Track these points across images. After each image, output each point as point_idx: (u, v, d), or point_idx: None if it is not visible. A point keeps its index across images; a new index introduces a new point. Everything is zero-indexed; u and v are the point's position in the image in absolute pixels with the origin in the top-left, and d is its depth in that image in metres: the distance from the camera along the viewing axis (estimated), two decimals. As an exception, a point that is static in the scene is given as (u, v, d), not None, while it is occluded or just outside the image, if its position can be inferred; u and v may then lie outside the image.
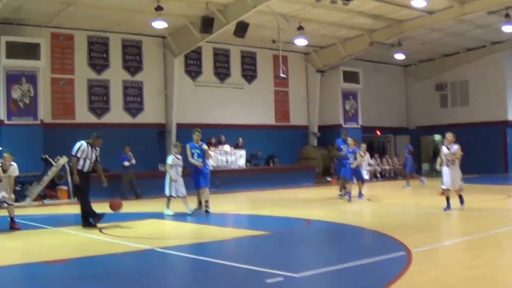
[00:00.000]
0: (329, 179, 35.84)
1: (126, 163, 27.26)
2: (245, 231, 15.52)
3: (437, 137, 44.22)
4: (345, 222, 16.28)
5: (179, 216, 18.99)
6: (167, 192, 19.59)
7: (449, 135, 17.94)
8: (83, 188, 16.72)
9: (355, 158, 22.94)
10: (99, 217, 16.31)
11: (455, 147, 17.75)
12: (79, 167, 16.54)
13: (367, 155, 30.19)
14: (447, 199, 17.53)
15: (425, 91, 45.07)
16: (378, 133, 43.28)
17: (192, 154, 19.64)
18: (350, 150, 22.95)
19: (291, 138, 37.68)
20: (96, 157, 16.86)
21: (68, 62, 30.61)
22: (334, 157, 33.64)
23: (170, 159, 19.65)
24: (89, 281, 9.65)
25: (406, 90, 46.53)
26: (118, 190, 26.18)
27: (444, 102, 44.47)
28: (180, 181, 19.40)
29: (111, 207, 16.64)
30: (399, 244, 11.97)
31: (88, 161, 16.64)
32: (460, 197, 17.84)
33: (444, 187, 17.77)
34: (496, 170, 40.12)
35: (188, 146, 19.77)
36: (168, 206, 19.44)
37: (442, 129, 39.84)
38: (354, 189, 22.90)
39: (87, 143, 16.66)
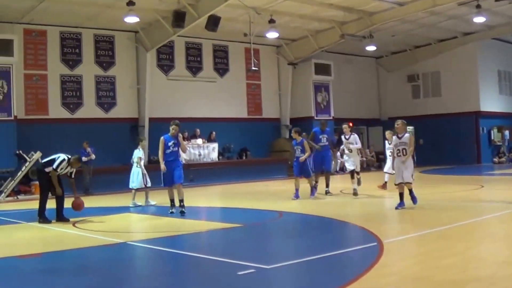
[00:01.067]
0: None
1: (85, 159, 26.53)
2: (217, 224, 15.66)
3: (410, 128, 44.46)
4: (318, 214, 16.41)
5: (153, 210, 19.20)
6: (136, 185, 20.46)
7: (398, 123, 16.89)
8: (45, 188, 16.83)
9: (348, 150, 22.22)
10: (46, 220, 16.40)
11: (407, 136, 16.67)
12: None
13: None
14: (401, 195, 16.46)
15: (397, 83, 45.39)
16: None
17: (167, 147, 17.67)
18: (346, 137, 21.67)
19: (264, 131, 37.85)
20: (70, 173, 16.95)
21: (41, 58, 30.57)
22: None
23: (141, 153, 20.03)
24: (61, 275, 9.74)
25: (378, 81, 46.75)
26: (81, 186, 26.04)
27: (416, 93, 44.76)
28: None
29: (73, 207, 16.72)
30: (370, 235, 12.13)
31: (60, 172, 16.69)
32: (411, 192, 16.53)
33: (396, 182, 16.81)
34: (469, 160, 40.49)
35: (162, 139, 17.87)
36: (134, 198, 20.53)
37: (414, 120, 40.35)
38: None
39: (68, 160, 16.68)
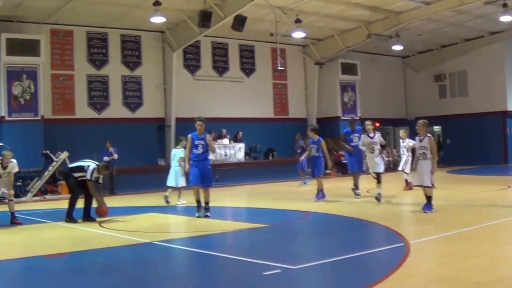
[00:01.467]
0: (328, 171, 35.93)
1: (107, 158, 26.38)
2: (243, 224, 15.62)
3: (437, 128, 44.24)
4: (344, 214, 16.34)
5: (179, 210, 19.20)
6: (174, 184, 20.89)
7: (418, 124, 16.23)
8: (75, 190, 16.89)
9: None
10: (73, 220, 16.48)
11: (427, 139, 15.92)
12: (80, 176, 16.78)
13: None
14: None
15: (423, 82, 45.04)
16: (377, 124, 43.29)
17: (195, 146, 16.78)
18: (370, 136, 19.28)
19: (290, 131, 37.65)
20: (97, 179, 16.95)
21: (67, 58, 30.71)
22: (334, 150, 33.78)
23: (182, 153, 20.13)
24: (87, 274, 9.79)
25: (404, 81, 46.46)
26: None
27: (443, 93, 44.37)
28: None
29: (97, 213, 16.72)
30: (397, 235, 12.08)
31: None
32: (429, 198, 15.83)
33: (414, 183, 17.30)
34: (496, 160, 40.06)
35: (189, 137, 16.99)
36: (180, 196, 21.00)
37: (441, 120, 40.14)
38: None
39: (96, 167, 16.73)
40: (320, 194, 20.46)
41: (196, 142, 16.80)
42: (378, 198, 18.54)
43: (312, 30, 35.23)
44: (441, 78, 43.69)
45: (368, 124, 19.61)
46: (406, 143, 23.17)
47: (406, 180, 23.02)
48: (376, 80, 42.91)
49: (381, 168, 19.04)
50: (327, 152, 20.70)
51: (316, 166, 20.65)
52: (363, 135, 19.66)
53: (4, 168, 16.46)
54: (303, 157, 28.66)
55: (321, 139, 20.60)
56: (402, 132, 23.51)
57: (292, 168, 29.44)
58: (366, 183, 22.64)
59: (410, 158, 22.61)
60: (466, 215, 15.36)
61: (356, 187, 21.00)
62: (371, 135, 19.32)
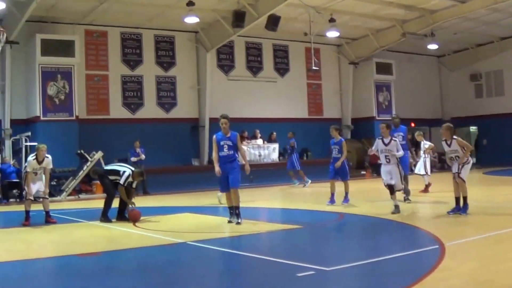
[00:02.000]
0: (363, 172, 35.79)
1: (134, 159, 26.61)
2: (277, 225, 15.50)
3: (473, 128, 43.87)
4: (378, 216, 16.18)
5: (214, 210, 19.15)
6: None
7: (442, 128, 15.58)
8: (111, 191, 16.90)
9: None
10: (107, 220, 16.51)
11: (455, 142, 15.27)
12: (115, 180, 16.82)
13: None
14: (464, 199, 15.08)
15: (459, 82, 44.68)
16: (413, 125, 42.98)
17: (220, 147, 15.17)
18: (385, 142, 16.33)
19: (325, 131, 37.30)
20: (131, 183, 16.93)
21: (102, 59, 30.97)
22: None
23: None
24: (120, 274, 9.79)
25: (440, 80, 46.13)
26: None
27: (479, 92, 44.04)
28: None
29: (130, 217, 16.68)
30: (432, 237, 11.91)
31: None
32: (464, 200, 15.12)
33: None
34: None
35: (214, 138, 15.42)
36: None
37: (477, 120, 39.74)
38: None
39: (131, 172, 16.72)
40: (347, 198, 19.35)
41: (222, 143, 15.23)
42: (395, 211, 15.85)
43: (347, 29, 35.13)
44: (477, 77, 43.38)
45: (382, 127, 16.72)
46: (422, 145, 22.92)
47: (427, 184, 22.65)
48: (411, 79, 42.68)
49: (394, 180, 16.14)
50: (346, 154, 19.44)
51: (341, 169, 19.39)
52: (377, 140, 16.68)
53: (40, 162, 16.51)
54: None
55: (343, 139, 19.44)
56: (417, 135, 23.19)
57: (327, 169, 29.35)
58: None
59: (428, 160, 22.42)
60: (502, 217, 15.11)
61: (405, 191, 18.78)
62: (386, 140, 16.37)
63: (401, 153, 16.24)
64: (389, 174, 16.09)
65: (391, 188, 16.12)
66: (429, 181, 22.47)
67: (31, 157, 16.79)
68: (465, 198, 15.15)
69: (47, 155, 16.70)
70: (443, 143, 15.59)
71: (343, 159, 19.26)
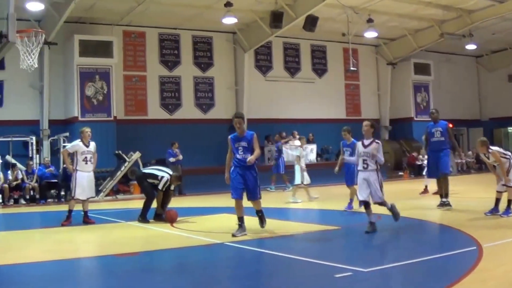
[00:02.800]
0: (400, 173, 35.54)
1: (172, 159, 26.74)
2: (315, 226, 15.45)
3: (511, 129, 43.44)
4: (416, 217, 16.04)
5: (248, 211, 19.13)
6: (298, 181, 21.69)
7: (478, 143, 14.93)
8: (150, 193, 16.88)
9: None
10: (145, 220, 16.53)
11: (491, 154, 14.76)
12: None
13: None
14: (497, 200, 14.96)
15: (498, 82, 44.29)
16: (451, 125, 42.51)
17: (235, 150, 13.59)
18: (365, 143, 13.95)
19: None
20: (168, 187, 16.93)
21: (140, 59, 31.15)
22: (407, 151, 33.35)
23: (298, 152, 21.93)
24: (158, 274, 9.76)
25: (478, 81, 45.77)
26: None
27: (518, 93, 43.65)
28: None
29: (168, 219, 16.65)
30: (469, 238, 11.76)
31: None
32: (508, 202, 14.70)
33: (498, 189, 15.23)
34: None
35: (229, 139, 13.91)
36: (294, 195, 21.77)
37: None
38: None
39: (169, 177, 16.73)
40: (351, 204, 18.27)
41: (236, 145, 13.63)
42: (369, 230, 13.36)
43: (385, 29, 34.99)
44: (516, 78, 42.94)
45: (366, 126, 13.92)
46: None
47: (426, 186, 22.41)
48: (449, 80, 42.39)
49: (376, 198, 13.53)
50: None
51: (348, 173, 18.08)
52: (358, 142, 14.10)
53: (86, 146, 16.53)
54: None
55: (355, 141, 16.23)
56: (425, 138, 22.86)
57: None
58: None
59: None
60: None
61: (443, 194, 17.53)
62: (367, 141, 13.64)
63: (381, 160, 13.52)
64: (365, 182, 13.44)
65: (366, 204, 13.56)
66: (427, 183, 22.17)
67: (76, 141, 16.82)
68: (509, 201, 14.96)
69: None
70: (482, 155, 15.51)
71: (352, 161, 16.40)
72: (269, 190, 27.62)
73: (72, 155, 16.57)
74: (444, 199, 17.42)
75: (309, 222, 16.92)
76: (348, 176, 18.32)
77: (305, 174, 21.89)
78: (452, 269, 9.37)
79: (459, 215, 16.59)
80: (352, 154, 17.10)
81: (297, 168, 21.87)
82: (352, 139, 17.72)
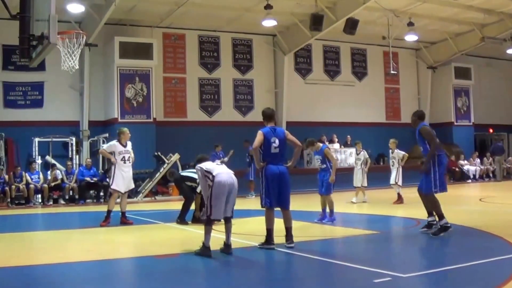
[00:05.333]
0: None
1: (218, 162, 26.42)
2: (354, 230, 15.35)
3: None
4: (456, 222, 15.88)
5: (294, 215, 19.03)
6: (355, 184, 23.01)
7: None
8: (189, 196, 16.91)
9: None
10: (184, 222, 16.59)
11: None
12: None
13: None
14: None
15: (539, 87, 43.71)
16: (491, 131, 42.20)
17: (269, 145, 12.73)
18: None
19: (402, 136, 37.02)
20: None
21: (179, 61, 31.29)
22: (447, 156, 33.06)
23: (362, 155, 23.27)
24: (197, 276, 9.81)
25: (519, 86, 45.24)
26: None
27: (560, 97, 43.11)
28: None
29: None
30: (509, 245, 11.67)
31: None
32: None
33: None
34: None
35: (260, 133, 13.01)
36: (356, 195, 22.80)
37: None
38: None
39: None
40: (328, 216, 16.51)
41: (271, 140, 12.69)
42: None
43: (425, 33, 34.78)
44: (557, 82, 42.46)
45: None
46: (396, 154, 22.44)
47: (398, 194, 22.14)
48: (490, 84, 41.92)
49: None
50: (335, 161, 16.60)
51: (322, 182, 16.51)
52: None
53: (124, 146, 16.70)
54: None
55: (324, 146, 16.72)
56: (391, 143, 22.55)
57: (404, 175, 28.75)
58: (479, 191, 21.98)
59: (401, 170, 22.40)
60: None
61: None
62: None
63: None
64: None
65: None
66: (399, 191, 22.18)
67: (113, 141, 17.04)
68: None
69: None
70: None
71: (334, 165, 16.38)
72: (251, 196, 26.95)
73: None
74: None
75: (348, 226, 16.83)
76: (322, 184, 16.62)
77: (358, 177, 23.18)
78: (491, 276, 9.23)
79: (500, 222, 16.42)
80: (324, 161, 16.51)
81: (356, 171, 23.22)
82: (321, 145, 17.08)
